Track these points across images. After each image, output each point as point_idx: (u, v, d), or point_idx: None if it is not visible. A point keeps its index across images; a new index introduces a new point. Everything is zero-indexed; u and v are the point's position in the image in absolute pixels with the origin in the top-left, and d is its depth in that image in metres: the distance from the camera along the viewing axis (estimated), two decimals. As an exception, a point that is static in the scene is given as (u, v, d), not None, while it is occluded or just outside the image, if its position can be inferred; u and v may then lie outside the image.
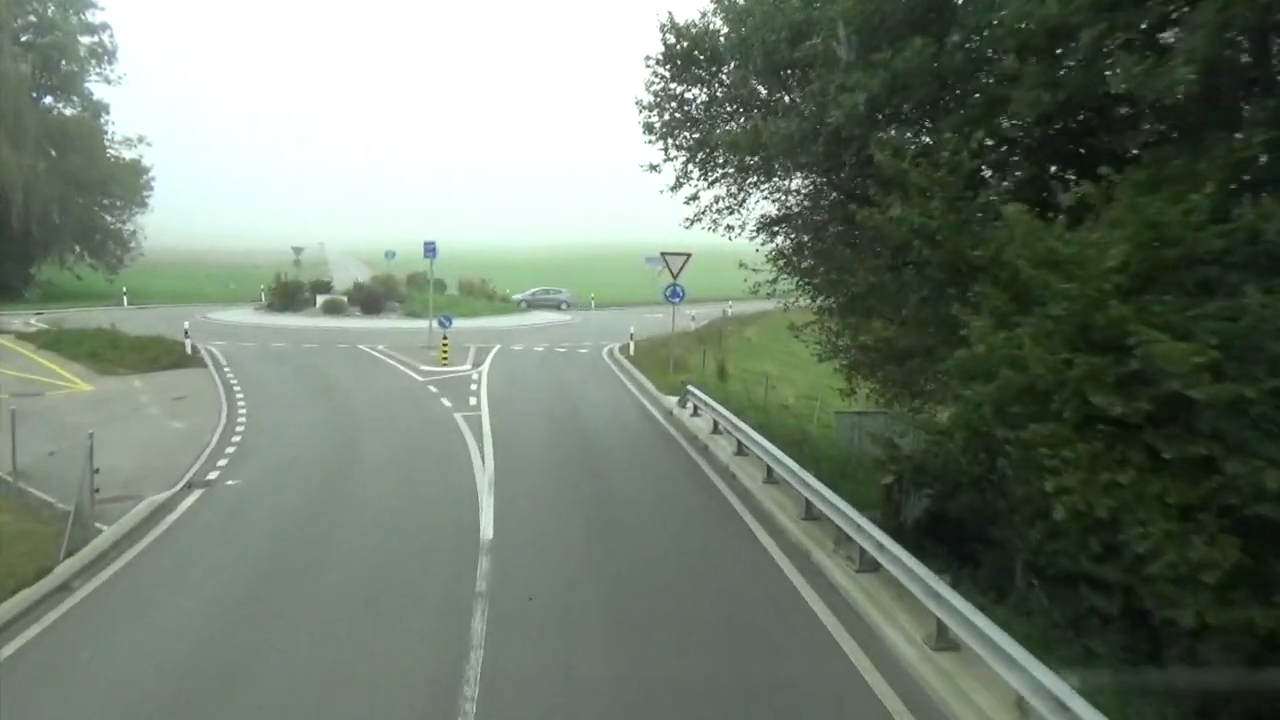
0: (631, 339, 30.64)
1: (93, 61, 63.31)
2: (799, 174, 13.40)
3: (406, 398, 21.38)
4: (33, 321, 34.63)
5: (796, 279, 16.05)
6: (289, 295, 39.12)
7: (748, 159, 12.09)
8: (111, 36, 63.15)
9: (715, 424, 17.36)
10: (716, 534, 11.92)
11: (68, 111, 59.23)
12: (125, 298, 47.15)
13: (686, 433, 18.05)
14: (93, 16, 61.80)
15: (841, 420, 18.02)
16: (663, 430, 18.68)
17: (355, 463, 15.32)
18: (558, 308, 51.28)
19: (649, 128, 15.68)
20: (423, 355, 27.47)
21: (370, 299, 39.02)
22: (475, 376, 24.26)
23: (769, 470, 13.48)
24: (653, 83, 15.67)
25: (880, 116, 10.32)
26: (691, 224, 16.60)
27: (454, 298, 45.99)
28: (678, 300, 26.12)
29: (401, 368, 25.60)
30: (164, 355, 25.02)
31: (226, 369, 24.45)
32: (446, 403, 20.42)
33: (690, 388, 19.39)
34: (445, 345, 26.04)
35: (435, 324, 27.20)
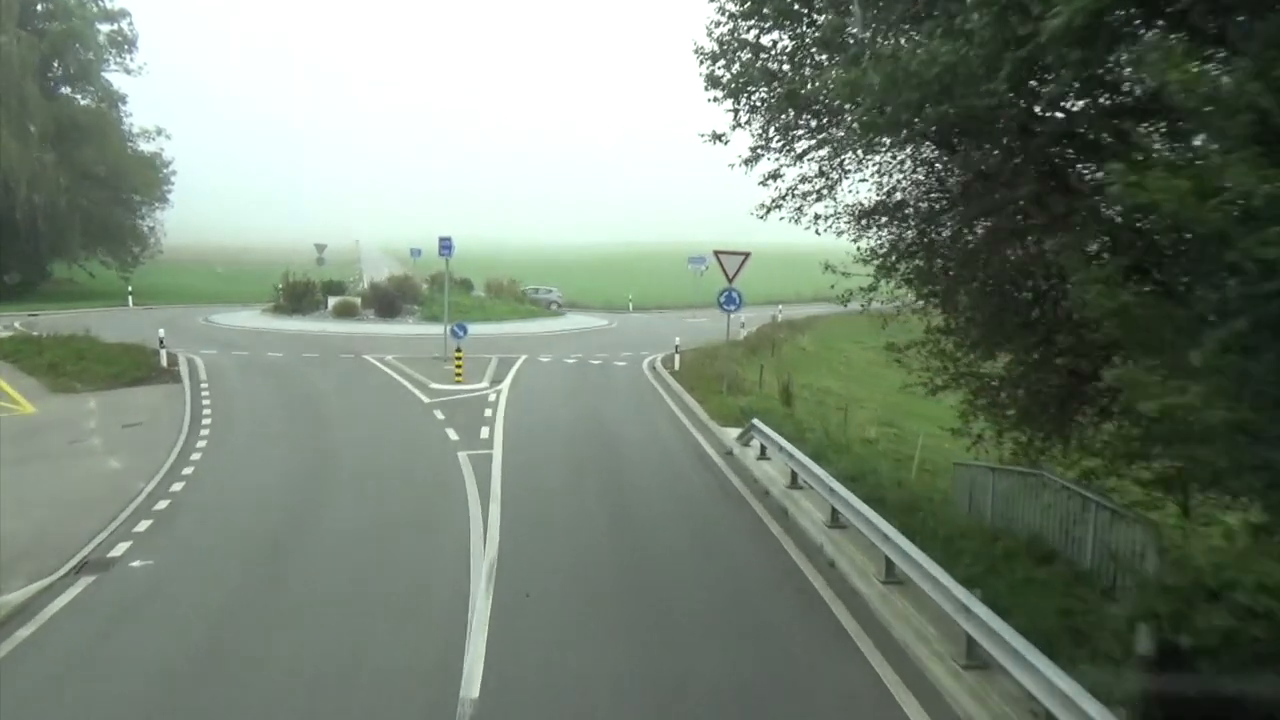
0: (677, 351, 26.53)
1: (112, 50, 60.87)
2: (956, 136, 9.17)
3: (405, 430, 17.53)
4: (17, 325, 31.48)
5: (912, 285, 11.93)
6: (298, 296, 35.66)
7: (873, 112, 7.95)
8: (131, 24, 60.56)
9: (794, 476, 13.26)
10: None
11: (83, 102, 56.77)
12: (131, 297, 44.11)
13: (755, 485, 13.96)
14: (111, 2, 59.47)
15: (962, 476, 13.84)
16: (724, 481, 14.57)
17: (311, 537, 11.37)
18: (548, 308, 46.98)
19: (713, 81, 11.60)
20: (435, 369, 23.67)
21: (386, 301, 35.41)
22: (492, 398, 20.38)
23: (889, 565, 9.36)
24: (718, 23, 11.62)
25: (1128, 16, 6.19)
26: (769, 211, 12.50)
27: (480, 300, 42.29)
28: (734, 308, 22.01)
29: (408, 385, 21.82)
30: (134, 369, 21.48)
31: (203, 386, 20.84)
32: (452, 435, 16.53)
33: (756, 422, 15.30)
34: (460, 359, 22.19)
35: (449, 333, 23.30)
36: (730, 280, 21.70)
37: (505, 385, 22.13)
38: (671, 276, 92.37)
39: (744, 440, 16.03)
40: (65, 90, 55.93)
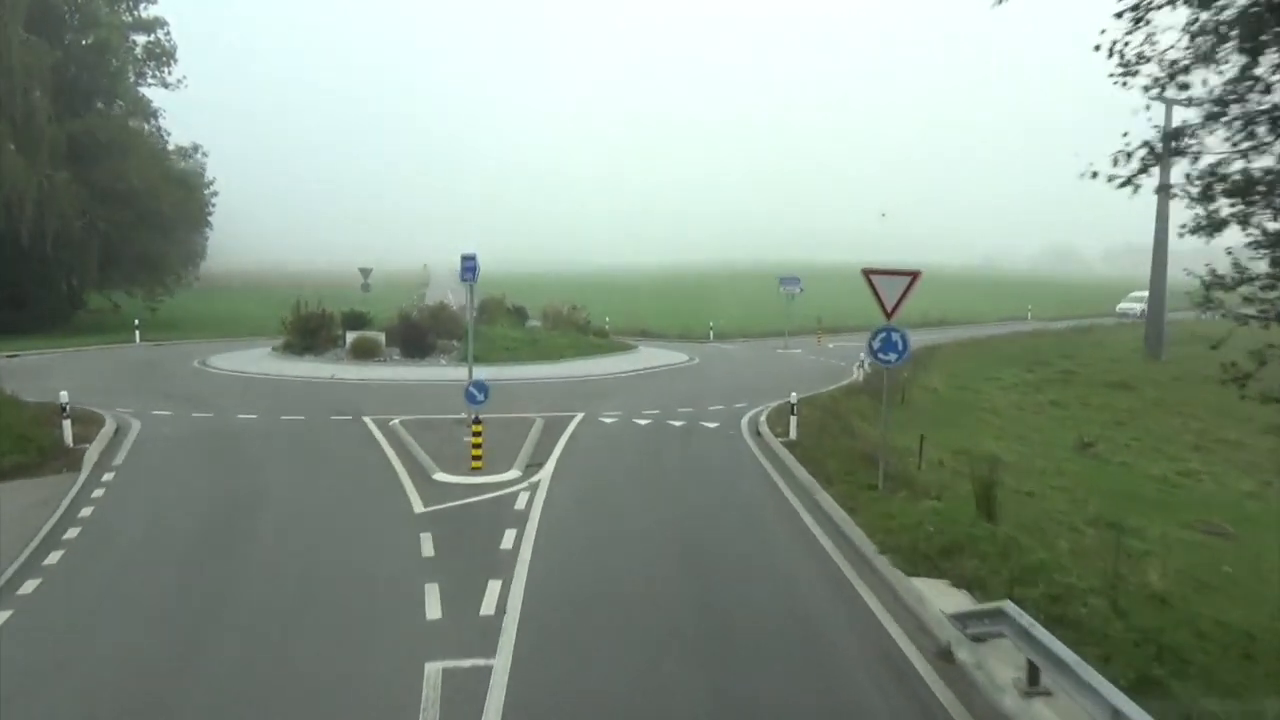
0: (794, 413, 18.81)
1: (150, 63, 56.59)
2: None
3: (358, 588, 10.23)
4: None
5: None
6: (310, 332, 29.21)
7: None
8: (169, 34, 56.16)
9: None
10: None
11: (112, 114, 52.24)
12: (139, 332, 38.51)
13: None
14: (146, 11, 55.12)
15: None
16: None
17: None
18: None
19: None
20: (452, 441, 16.55)
21: (413, 337, 28.63)
22: (522, 503, 13.09)
23: None
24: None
25: None
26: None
27: (534, 334, 35.32)
28: (896, 359, 14.21)
29: (403, 475, 14.70)
30: (16, 449, 14.84)
31: (104, 481, 14.09)
32: (432, 609, 9.22)
33: (1009, 608, 7.63)
34: (479, 436, 14.95)
35: (466, 396, 15.95)
36: (890, 313, 14.04)
37: (546, 474, 14.84)
38: (754, 299, 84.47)
39: (971, 625, 8.38)
40: (99, 105, 51.45)
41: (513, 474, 14.68)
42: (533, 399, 23.58)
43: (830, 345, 47.53)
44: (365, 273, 52.08)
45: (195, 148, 58.45)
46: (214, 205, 60.13)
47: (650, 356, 35.16)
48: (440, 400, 21.80)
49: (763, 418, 21.08)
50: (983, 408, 31.12)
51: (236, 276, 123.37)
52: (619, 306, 72.40)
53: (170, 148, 56.50)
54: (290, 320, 29.76)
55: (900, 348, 13.97)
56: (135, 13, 54.68)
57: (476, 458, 14.79)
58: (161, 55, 56.38)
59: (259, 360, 29.43)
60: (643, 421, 20.28)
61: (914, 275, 14.00)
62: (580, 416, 20.58)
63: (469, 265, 18.57)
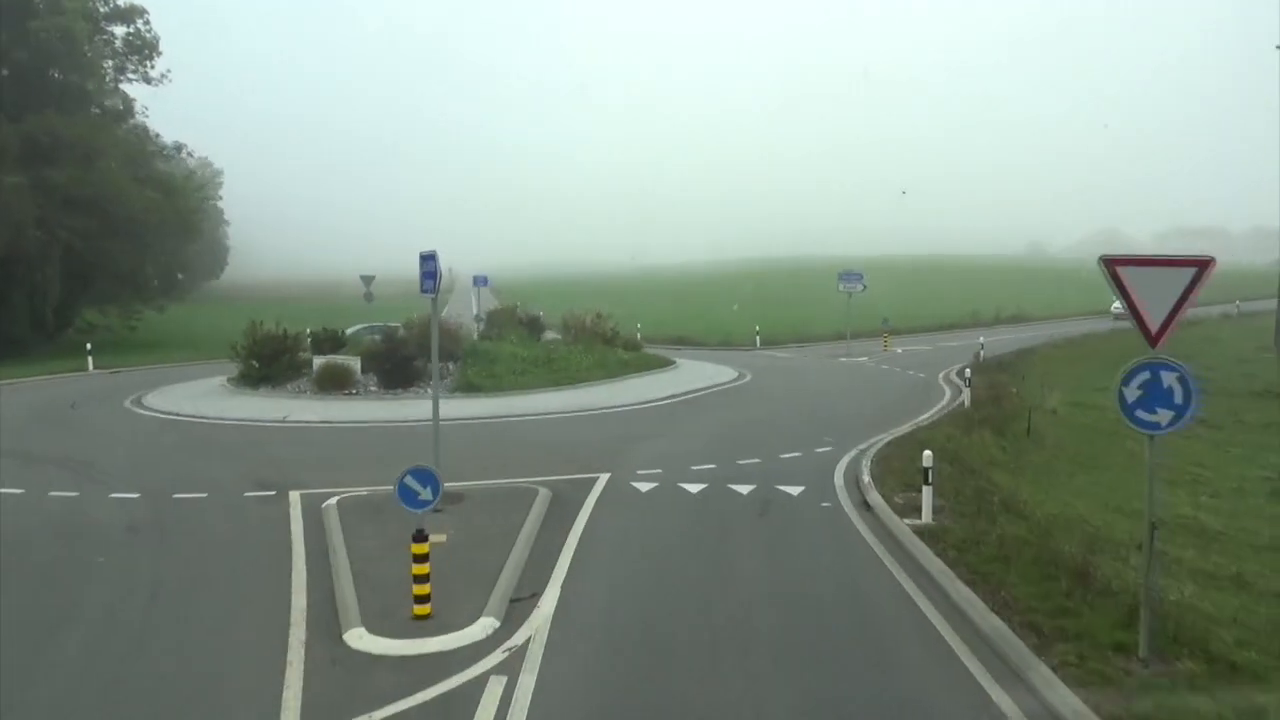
0: (928, 481, 12.31)
1: (132, 56, 51.48)
2: None
3: None
4: None
5: None
6: (269, 358, 23.29)
7: None
8: (149, 24, 50.98)
9: None
10: None
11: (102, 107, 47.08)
12: (92, 358, 32.92)
13: None
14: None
15: None
16: None
17: None
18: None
19: None
20: (407, 544, 10.31)
21: (393, 363, 22.50)
22: (488, 714, 6.90)
23: None
24: None
25: None
26: None
27: (552, 348, 29.12)
28: (1175, 421, 7.68)
29: (293, 640, 8.35)
30: None
31: None
32: None
33: None
34: (423, 565, 8.64)
35: (401, 491, 9.37)
36: (1157, 334, 7.63)
37: (540, 626, 8.55)
38: (803, 298, 77.66)
39: None
40: (66, 101, 46.18)
41: (482, 626, 8.44)
42: (540, 447, 17.42)
43: (899, 350, 40.91)
44: (367, 280, 46.21)
45: (179, 148, 53.25)
46: (216, 210, 55.10)
47: (692, 374, 28.84)
48: (413, 455, 15.64)
49: (864, 474, 14.73)
50: (1118, 434, 24.44)
51: (255, 289, 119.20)
52: (650, 311, 65.97)
53: (154, 149, 51.38)
54: (247, 345, 23.79)
55: (1181, 401, 7.53)
56: (111, 1, 49.58)
57: (421, 599, 8.59)
58: (143, 48, 51.29)
59: (206, 395, 23.57)
60: (694, 488, 13.97)
61: (1202, 265, 7.55)
62: (604, 481, 14.37)
63: (429, 271, 12.40)
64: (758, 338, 45.38)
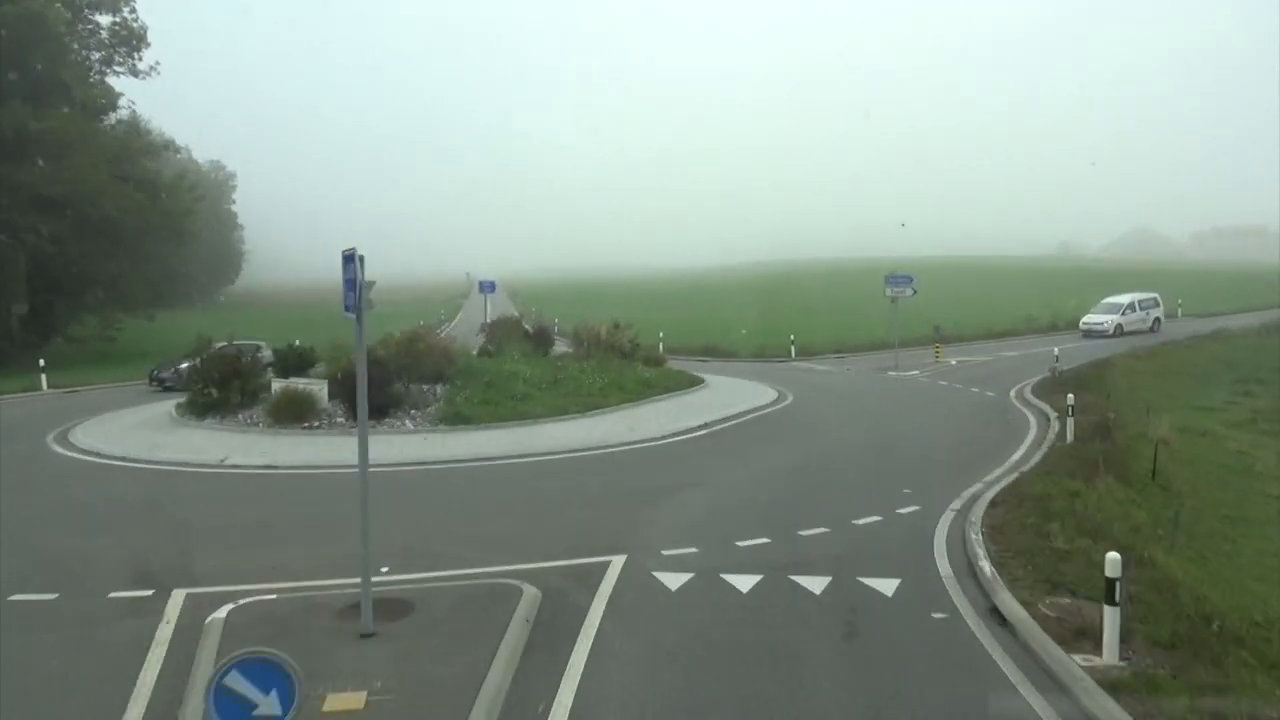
0: (1116, 599, 8.03)
1: (120, 48, 48.16)
2: None
3: None
4: None
5: None
6: (219, 383, 19.35)
7: None
8: (134, 12, 47.62)
9: None
10: None
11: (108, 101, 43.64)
12: (45, 376, 29.22)
13: None
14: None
15: None
16: None
17: None
18: None
19: None
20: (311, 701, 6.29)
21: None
22: None
23: None
24: None
25: None
26: None
27: (560, 365, 24.99)
28: None
29: None
30: None
31: None
32: None
33: None
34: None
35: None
36: None
37: None
38: (834, 304, 73.13)
39: None
40: (34, 92, 42.76)
41: None
42: (534, 507, 13.35)
43: (953, 362, 36.47)
44: (366, 288, 42.68)
45: (167, 144, 49.80)
46: (228, 214, 51.66)
47: (724, 394, 24.68)
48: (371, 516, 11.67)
49: (980, 556, 10.53)
50: (1248, 470, 20.03)
51: (272, 294, 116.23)
52: (673, 317, 61.78)
53: (142, 145, 47.93)
54: (197, 365, 19.84)
55: None
56: (90, -14, 46.28)
57: None
58: (130, 38, 47.96)
59: (144, 427, 19.67)
60: (744, 582, 9.81)
61: None
62: (617, 569, 10.28)
63: (349, 279, 8.33)
64: (793, 348, 41.13)
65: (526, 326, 28.84)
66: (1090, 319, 44.34)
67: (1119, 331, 41.88)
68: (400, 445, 17.03)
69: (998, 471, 15.62)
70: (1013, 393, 27.74)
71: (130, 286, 42.21)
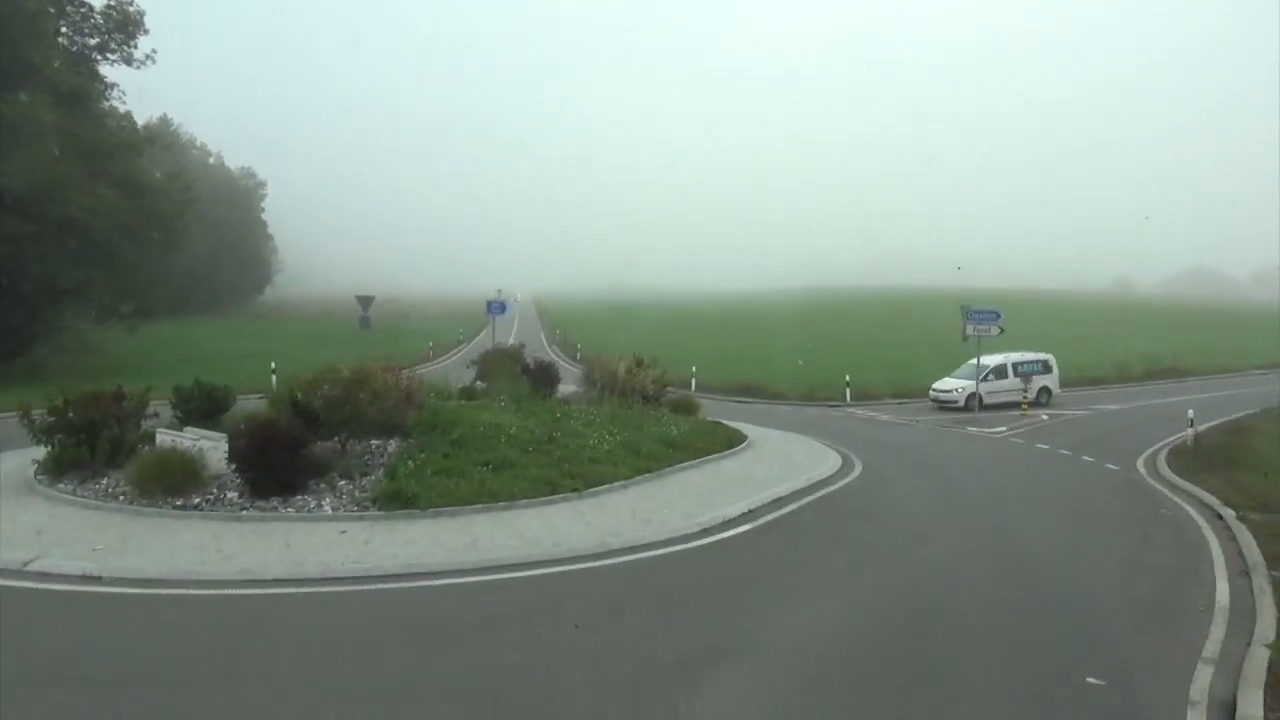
0: None
1: (115, 34, 44.04)
2: None
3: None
4: None
5: None
6: (86, 431, 14.04)
7: None
8: (132, -1, 43.53)
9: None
10: None
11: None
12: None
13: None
14: (100, -36, 42.56)
15: None
16: None
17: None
18: None
19: None
20: None
21: (267, 453, 12.91)
22: None
23: None
24: None
25: None
26: None
27: (561, 411, 19.40)
28: None
29: None
30: None
31: None
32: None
33: None
34: None
35: None
36: None
37: None
38: (889, 334, 66.90)
39: None
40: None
41: None
42: (449, 710, 7.63)
43: (1044, 417, 30.38)
44: (365, 303, 37.60)
45: (150, 140, 45.43)
46: (259, 223, 47.23)
47: (772, 460, 18.97)
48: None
49: None
50: None
51: (305, 306, 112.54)
52: (713, 344, 56.08)
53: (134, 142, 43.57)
54: (57, 406, 14.48)
55: None
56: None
57: None
58: (125, 24, 43.83)
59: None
60: None
61: None
62: None
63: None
64: (848, 390, 35.31)
65: (527, 360, 23.36)
66: (941, 385, 33.38)
67: (975, 405, 30.85)
68: (300, 543, 11.57)
69: (1216, 634, 9.77)
70: (1141, 464, 21.73)
71: (99, 294, 37.61)
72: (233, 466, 13.46)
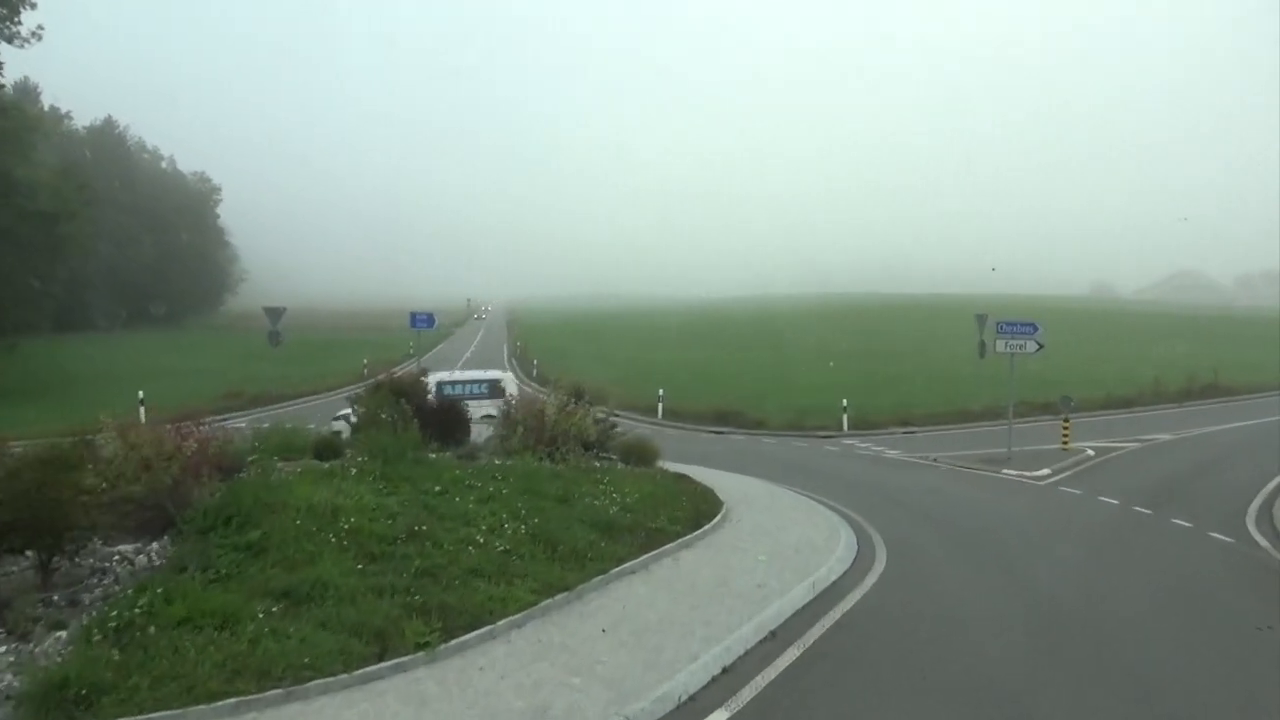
0: None
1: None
2: None
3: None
4: None
5: None
6: None
7: None
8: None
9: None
10: None
11: None
12: None
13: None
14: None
15: None
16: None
17: None
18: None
19: None
20: None
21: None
22: None
23: None
24: None
25: None
26: None
27: (438, 485, 13.52)
28: None
29: None
30: None
31: None
32: None
33: None
34: None
35: None
36: None
37: None
38: (881, 344, 61.55)
39: None
40: None
41: None
42: None
43: (1090, 452, 24.75)
44: (273, 315, 31.63)
45: (63, 122, 39.36)
46: (215, 229, 40.91)
47: (754, 547, 13.09)
48: None
49: None
50: None
51: (261, 317, 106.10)
52: (690, 360, 50.37)
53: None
54: None
55: None
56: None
57: None
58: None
59: None
60: None
61: None
62: None
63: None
64: (845, 416, 29.64)
65: (430, 398, 17.29)
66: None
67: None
68: None
69: None
70: (1254, 527, 16.12)
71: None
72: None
